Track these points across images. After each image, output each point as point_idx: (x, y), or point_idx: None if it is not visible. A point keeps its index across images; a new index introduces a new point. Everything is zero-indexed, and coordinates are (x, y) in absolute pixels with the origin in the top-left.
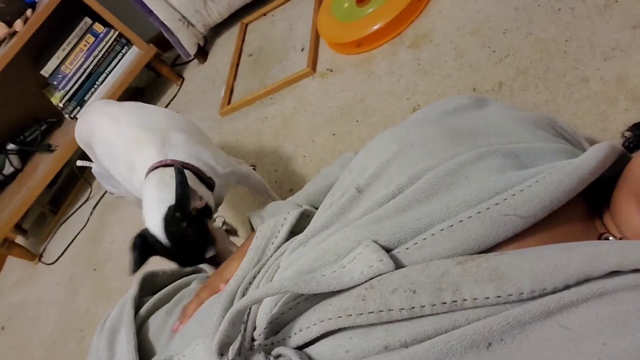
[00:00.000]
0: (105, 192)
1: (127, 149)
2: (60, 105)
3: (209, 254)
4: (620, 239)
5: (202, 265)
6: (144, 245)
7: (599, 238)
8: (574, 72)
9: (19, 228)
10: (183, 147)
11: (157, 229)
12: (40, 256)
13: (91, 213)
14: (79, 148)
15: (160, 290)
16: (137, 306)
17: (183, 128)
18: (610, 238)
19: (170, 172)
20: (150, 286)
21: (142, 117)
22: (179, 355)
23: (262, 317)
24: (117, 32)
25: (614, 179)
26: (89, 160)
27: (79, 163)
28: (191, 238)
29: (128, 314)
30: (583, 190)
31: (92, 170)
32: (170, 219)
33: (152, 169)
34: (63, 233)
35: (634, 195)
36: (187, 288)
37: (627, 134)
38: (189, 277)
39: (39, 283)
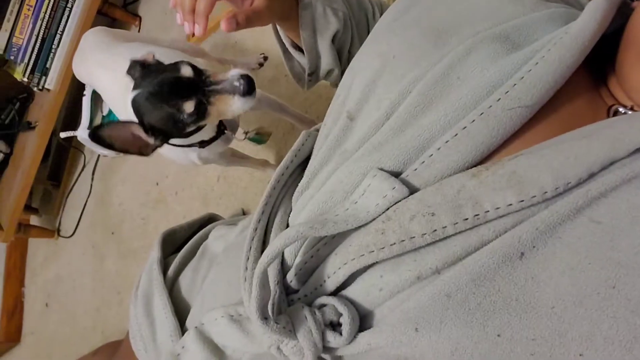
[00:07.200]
0: (99, 155)
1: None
2: (25, 79)
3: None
4: (632, 107)
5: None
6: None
7: (609, 110)
8: None
9: (29, 208)
10: None
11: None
12: (58, 231)
13: (92, 179)
14: (59, 117)
15: (182, 245)
16: (165, 268)
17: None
18: (621, 109)
19: None
20: (171, 244)
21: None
22: (202, 324)
23: (286, 270)
24: None
25: (614, 35)
26: (71, 129)
27: (63, 135)
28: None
29: (157, 279)
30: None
31: (78, 137)
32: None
33: None
34: (72, 204)
35: None
36: (207, 241)
37: None
38: (207, 227)
39: (66, 256)
